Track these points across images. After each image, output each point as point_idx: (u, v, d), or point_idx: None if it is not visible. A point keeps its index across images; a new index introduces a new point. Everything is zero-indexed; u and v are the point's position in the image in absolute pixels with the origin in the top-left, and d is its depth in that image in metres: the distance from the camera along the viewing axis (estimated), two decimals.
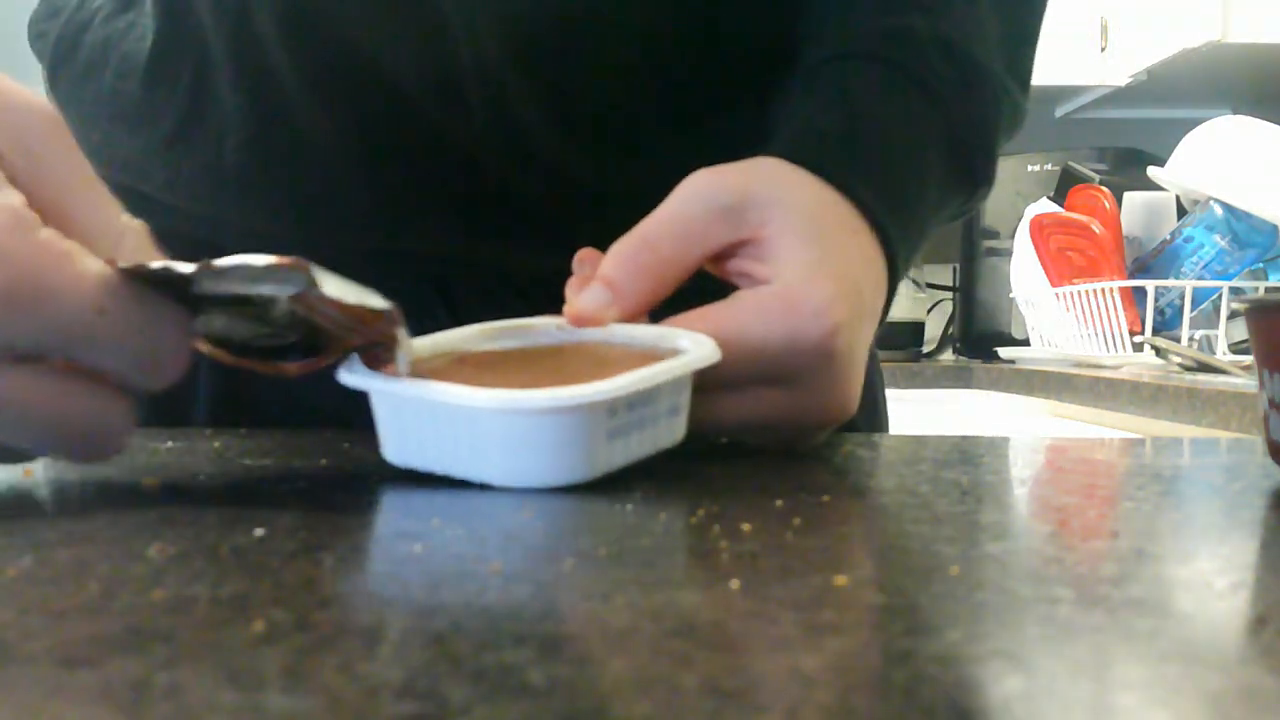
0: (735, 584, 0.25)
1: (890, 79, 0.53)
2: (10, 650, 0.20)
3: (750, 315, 0.44)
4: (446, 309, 0.63)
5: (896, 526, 0.33)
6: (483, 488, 0.38)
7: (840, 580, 0.26)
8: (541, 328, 0.46)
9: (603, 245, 0.65)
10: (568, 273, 0.64)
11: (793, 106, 0.54)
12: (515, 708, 0.17)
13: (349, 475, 0.40)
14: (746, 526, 0.32)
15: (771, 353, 0.44)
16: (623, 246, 0.45)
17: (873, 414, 0.69)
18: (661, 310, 0.46)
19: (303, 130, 0.59)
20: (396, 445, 0.40)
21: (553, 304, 0.64)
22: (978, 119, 0.55)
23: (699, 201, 0.46)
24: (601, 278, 0.45)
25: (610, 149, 0.60)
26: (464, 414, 0.37)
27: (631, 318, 0.45)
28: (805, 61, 0.56)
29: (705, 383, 0.43)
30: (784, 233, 0.46)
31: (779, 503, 0.36)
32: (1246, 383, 1.37)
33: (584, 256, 0.48)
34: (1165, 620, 0.24)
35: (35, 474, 0.40)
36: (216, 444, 0.48)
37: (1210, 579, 0.27)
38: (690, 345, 0.42)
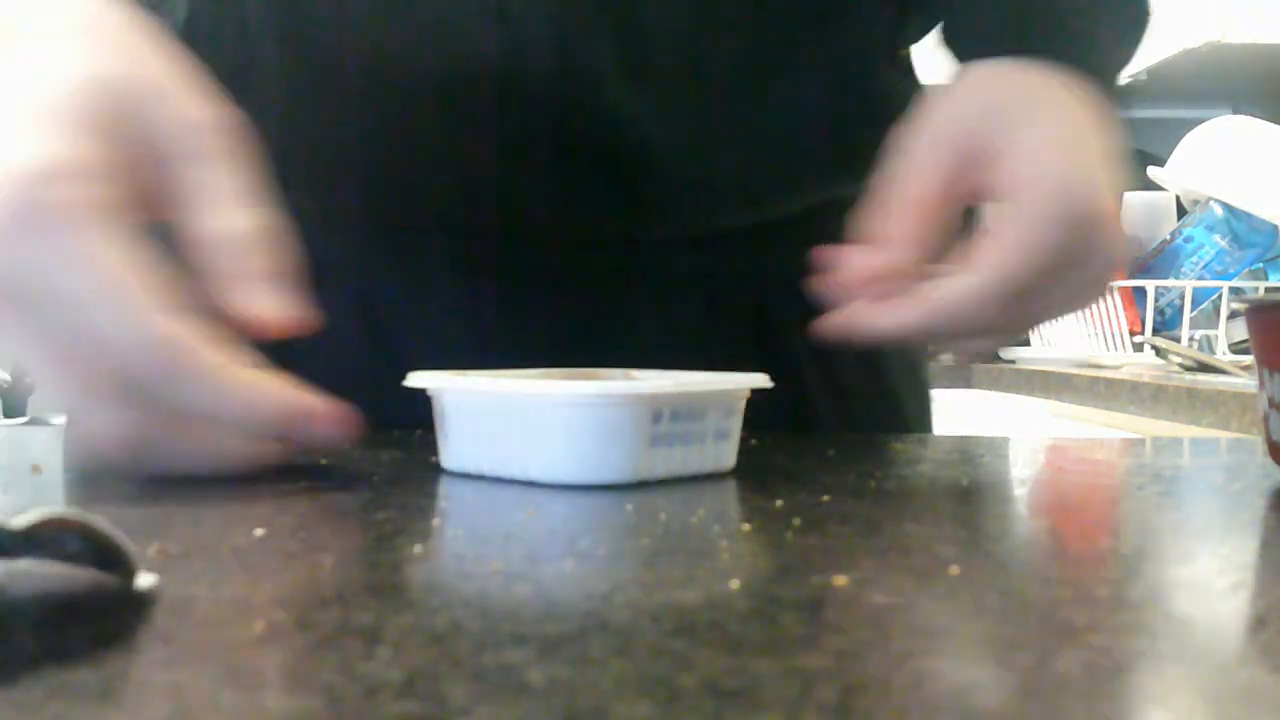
0: (735, 584, 0.25)
1: None
2: (10, 650, 0.20)
3: (1024, 226, 0.46)
4: (493, 286, 0.61)
5: (896, 526, 0.33)
6: (482, 488, 0.38)
7: (840, 580, 0.26)
8: (608, 376, 0.48)
9: (659, 205, 0.62)
10: (620, 236, 0.62)
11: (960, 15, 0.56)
12: (515, 708, 0.17)
13: (349, 475, 0.40)
14: (746, 526, 0.32)
15: (1062, 245, 0.46)
16: (884, 209, 0.48)
17: (923, 414, 0.69)
18: None
19: (354, 92, 0.57)
20: (452, 449, 0.42)
21: (589, 272, 0.62)
22: None
23: (926, 144, 0.49)
24: (878, 237, 0.47)
25: (677, 103, 0.59)
26: (517, 404, 0.39)
27: (913, 258, 0.47)
28: None
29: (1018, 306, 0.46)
30: (1009, 130, 0.48)
31: (779, 503, 0.36)
32: (1246, 383, 1.37)
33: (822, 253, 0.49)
34: (1165, 620, 0.24)
35: (42, 472, 0.40)
36: None
37: (1210, 579, 0.27)
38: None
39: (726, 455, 0.42)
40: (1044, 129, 0.48)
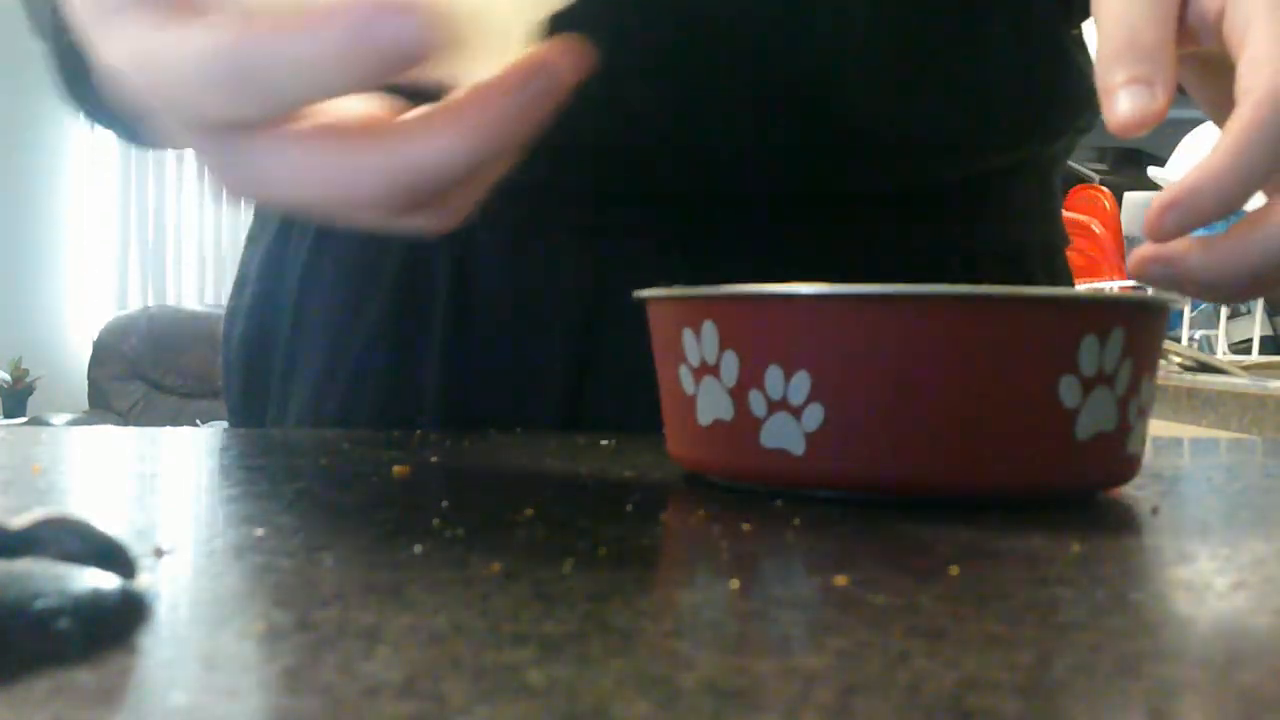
0: (735, 584, 0.25)
1: None
2: (10, 650, 0.20)
3: None
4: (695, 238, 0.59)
5: (896, 526, 0.33)
6: (482, 488, 0.38)
7: (840, 580, 0.26)
8: None
9: (862, 160, 0.59)
10: (826, 194, 0.60)
11: None
12: (515, 708, 0.17)
13: (349, 475, 0.40)
14: (746, 526, 0.32)
15: None
16: (1113, 46, 0.40)
17: None
18: None
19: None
20: None
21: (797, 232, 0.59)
22: None
23: None
24: (1130, 79, 0.40)
25: (880, 61, 0.57)
26: None
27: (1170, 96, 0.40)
28: None
29: None
30: None
31: (779, 503, 0.36)
32: (1246, 383, 1.37)
33: None
34: (1165, 620, 0.24)
35: (42, 470, 0.40)
36: (217, 443, 0.48)
37: (1210, 579, 0.27)
38: None
39: None
40: None
